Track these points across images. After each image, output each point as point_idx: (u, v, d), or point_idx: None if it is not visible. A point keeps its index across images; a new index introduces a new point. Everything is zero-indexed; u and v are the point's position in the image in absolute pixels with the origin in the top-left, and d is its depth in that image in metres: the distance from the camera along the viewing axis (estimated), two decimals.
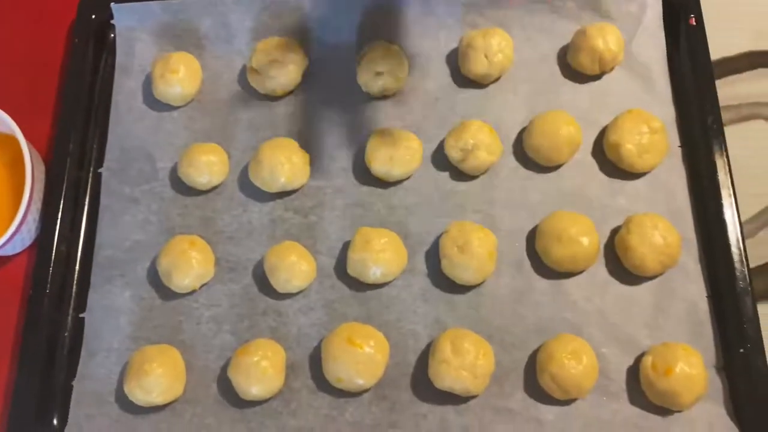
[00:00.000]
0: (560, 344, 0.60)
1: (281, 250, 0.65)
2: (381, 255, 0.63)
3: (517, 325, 0.64)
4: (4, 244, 0.65)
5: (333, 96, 0.73)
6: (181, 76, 0.71)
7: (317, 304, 0.66)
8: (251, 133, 0.72)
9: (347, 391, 0.62)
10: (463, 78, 0.73)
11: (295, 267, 0.64)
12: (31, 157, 0.67)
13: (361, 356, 0.60)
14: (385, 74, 0.70)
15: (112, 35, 0.76)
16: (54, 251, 0.67)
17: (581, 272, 0.65)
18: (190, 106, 0.74)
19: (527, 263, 0.66)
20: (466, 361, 0.59)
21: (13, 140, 0.71)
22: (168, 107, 0.73)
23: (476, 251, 0.62)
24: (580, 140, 0.68)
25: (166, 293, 0.66)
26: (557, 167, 0.69)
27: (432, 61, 0.74)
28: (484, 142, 0.66)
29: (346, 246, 0.67)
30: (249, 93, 0.74)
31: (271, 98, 0.73)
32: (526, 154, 0.69)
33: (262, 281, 0.66)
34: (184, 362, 0.64)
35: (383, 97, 0.72)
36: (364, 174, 0.70)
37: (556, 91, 0.72)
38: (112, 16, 0.75)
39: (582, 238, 0.63)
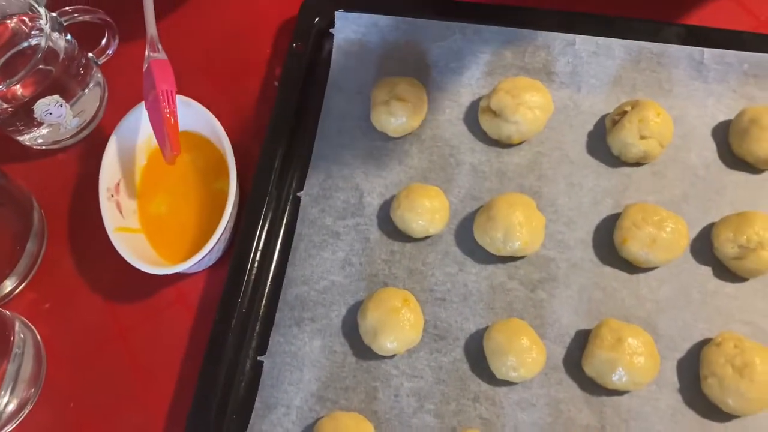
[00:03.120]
0: None
1: (512, 330, 0.55)
2: (634, 359, 0.52)
3: None
4: (194, 264, 0.57)
5: (575, 153, 0.63)
6: (408, 105, 0.62)
7: (540, 400, 0.55)
8: (475, 181, 0.63)
9: None
10: (734, 157, 0.61)
11: (526, 354, 0.54)
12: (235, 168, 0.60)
13: None
14: (650, 139, 0.59)
15: (329, 46, 0.69)
16: (245, 280, 0.59)
17: None
18: (407, 140, 0.65)
19: None
20: None
21: (210, 146, 0.64)
22: (383, 137, 0.65)
23: (759, 378, 0.51)
24: None
25: (362, 351, 0.57)
26: None
27: (696, 131, 0.63)
28: None
29: (579, 335, 0.57)
30: (476, 134, 0.64)
31: (503, 145, 0.64)
32: None
33: (476, 358, 0.56)
34: None
35: (636, 163, 0.62)
36: (607, 251, 0.59)
37: None
38: (332, 24, 0.68)
39: None
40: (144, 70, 0.60)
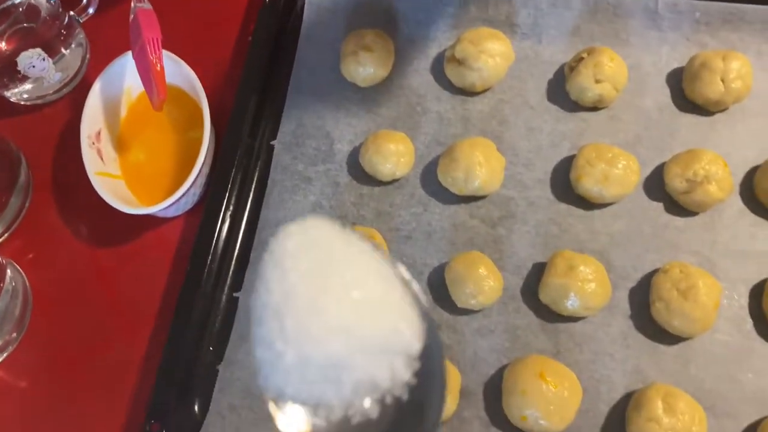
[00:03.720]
0: None
1: (469, 261, 0.58)
2: (585, 285, 0.55)
3: (733, 392, 0.55)
4: (170, 206, 0.60)
5: (535, 99, 0.66)
6: (375, 56, 0.65)
7: (498, 327, 0.58)
8: (440, 128, 0.66)
9: (527, 431, 0.54)
10: (686, 101, 0.64)
11: (483, 281, 0.57)
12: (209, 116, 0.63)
13: (553, 396, 0.52)
14: (604, 82, 0.62)
15: (301, 2, 0.71)
16: (219, 222, 0.62)
17: None
18: (376, 89, 0.68)
19: (749, 322, 0.57)
20: (680, 424, 0.51)
21: (187, 97, 0.66)
22: (353, 87, 0.68)
23: (702, 300, 0.54)
24: None
25: None
26: None
27: (651, 77, 0.66)
28: (716, 176, 0.58)
29: (536, 267, 0.60)
30: (441, 84, 0.67)
31: (467, 93, 0.66)
32: (757, 197, 0.60)
33: (439, 291, 0.59)
34: None
35: (593, 108, 0.65)
36: (563, 190, 0.62)
37: None
38: None
39: None
40: (130, 20, 0.63)
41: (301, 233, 0.35)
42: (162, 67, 0.60)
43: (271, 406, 0.34)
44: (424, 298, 0.36)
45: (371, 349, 0.33)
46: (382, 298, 0.34)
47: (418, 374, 0.33)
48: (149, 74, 0.60)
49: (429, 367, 0.34)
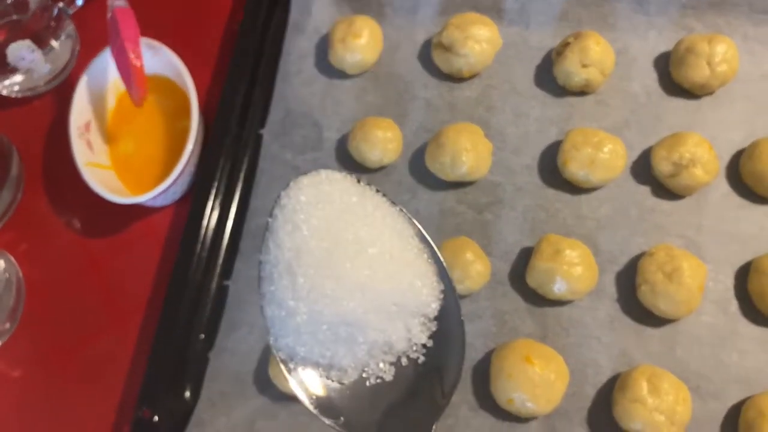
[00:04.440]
0: None
1: (457, 246, 0.58)
2: (571, 269, 0.56)
3: (717, 373, 0.55)
4: (159, 195, 0.61)
5: (523, 85, 0.66)
6: (363, 43, 0.65)
7: (486, 312, 0.59)
8: (428, 114, 0.66)
9: (514, 414, 0.54)
10: (673, 85, 0.64)
11: (470, 267, 0.57)
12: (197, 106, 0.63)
13: (539, 379, 0.53)
14: (591, 67, 0.62)
15: None
16: (208, 211, 0.63)
17: None
18: (364, 77, 0.68)
19: (735, 304, 0.57)
20: (664, 405, 0.51)
21: (175, 87, 0.67)
22: (341, 74, 0.68)
23: (686, 282, 0.54)
24: None
25: None
26: None
27: (638, 61, 0.66)
28: (701, 159, 0.58)
29: (523, 252, 0.60)
30: (429, 71, 0.67)
31: (455, 79, 0.67)
32: (743, 180, 0.60)
33: None
34: None
35: (581, 92, 0.65)
36: (551, 175, 0.62)
37: None
38: None
39: None
40: (108, 18, 0.63)
41: (314, 186, 0.33)
42: (142, 65, 0.60)
43: (282, 368, 0.33)
44: (442, 256, 0.34)
45: (386, 307, 0.32)
46: (398, 255, 0.33)
47: (435, 336, 0.32)
48: (128, 72, 0.60)
49: (446, 329, 0.33)
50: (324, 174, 0.33)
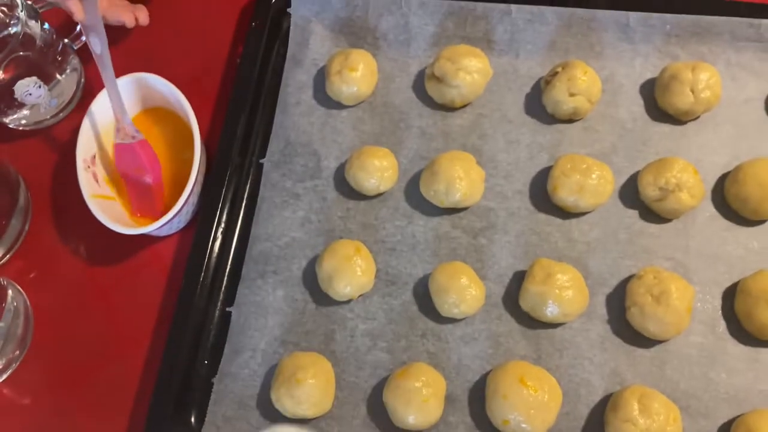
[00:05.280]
0: (761, 421, 0.53)
1: (452, 271, 0.60)
2: (563, 292, 0.58)
3: (707, 392, 0.57)
4: (163, 225, 0.63)
5: (514, 113, 0.68)
6: (359, 75, 0.68)
7: (482, 334, 0.60)
8: (423, 142, 0.68)
9: None
10: (659, 111, 0.67)
11: (465, 291, 0.59)
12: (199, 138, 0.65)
13: (534, 400, 0.54)
14: (578, 96, 0.65)
15: (286, 24, 0.74)
16: (211, 239, 0.65)
17: None
18: (361, 107, 0.70)
19: (722, 324, 0.59)
20: (655, 425, 0.53)
21: (178, 119, 0.69)
22: (338, 105, 0.70)
23: (674, 304, 0.56)
24: None
25: (321, 298, 0.63)
26: (761, 222, 0.62)
27: (625, 88, 0.68)
28: (687, 184, 0.60)
29: (516, 275, 0.62)
30: (423, 100, 0.70)
31: (448, 108, 0.69)
32: (728, 203, 0.62)
33: (423, 300, 0.62)
34: (334, 375, 0.59)
35: (570, 120, 0.67)
36: (541, 200, 0.64)
37: (764, 138, 0.65)
38: (289, 4, 0.73)
39: None
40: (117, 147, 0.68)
41: None
42: (155, 186, 0.67)
43: None
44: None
45: None
46: None
47: None
48: (146, 192, 0.67)
49: None
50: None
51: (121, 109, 0.66)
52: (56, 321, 0.68)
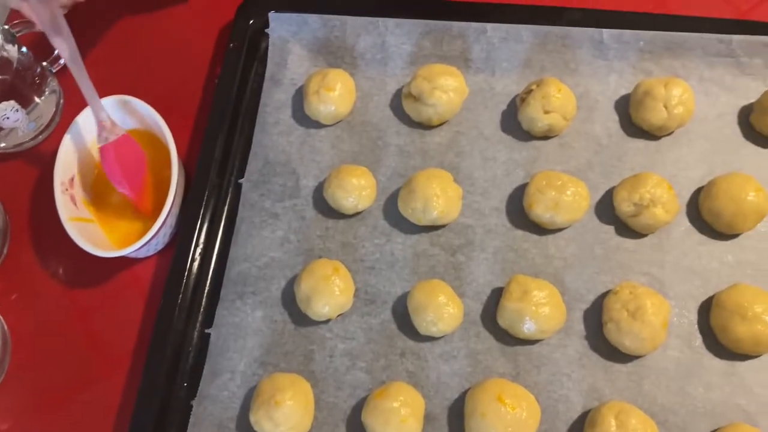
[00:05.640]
0: None
1: (430, 289, 0.60)
2: (539, 309, 0.58)
3: (684, 406, 0.57)
4: (141, 247, 0.63)
5: (490, 130, 0.69)
6: (336, 95, 0.68)
7: (460, 352, 0.60)
8: (401, 160, 0.68)
9: None
10: (633, 127, 0.67)
11: (443, 309, 0.59)
12: (177, 159, 0.65)
13: (512, 418, 0.54)
14: (553, 113, 0.65)
15: (264, 45, 0.74)
16: (190, 260, 0.65)
17: (759, 356, 0.58)
18: (339, 126, 0.71)
19: (699, 338, 0.59)
20: None
21: (156, 140, 0.69)
22: (316, 124, 0.70)
23: (650, 319, 0.56)
24: (767, 210, 0.61)
25: (299, 318, 0.63)
26: (735, 235, 0.62)
27: (600, 104, 0.69)
28: (661, 199, 0.61)
29: (494, 292, 0.62)
30: (401, 119, 0.70)
31: (425, 126, 0.69)
32: (702, 217, 0.63)
33: (402, 319, 0.62)
34: (314, 396, 0.59)
35: (544, 137, 0.68)
36: (518, 217, 0.65)
37: (736, 153, 0.66)
38: (267, 25, 0.74)
39: None
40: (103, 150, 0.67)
41: None
42: (136, 197, 0.67)
43: None
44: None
45: None
46: None
47: None
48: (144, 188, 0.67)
49: None
50: None
51: (97, 105, 0.66)
52: (35, 344, 0.67)
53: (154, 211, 0.66)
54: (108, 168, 0.66)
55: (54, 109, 0.76)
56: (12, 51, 0.68)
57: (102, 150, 0.66)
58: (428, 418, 0.58)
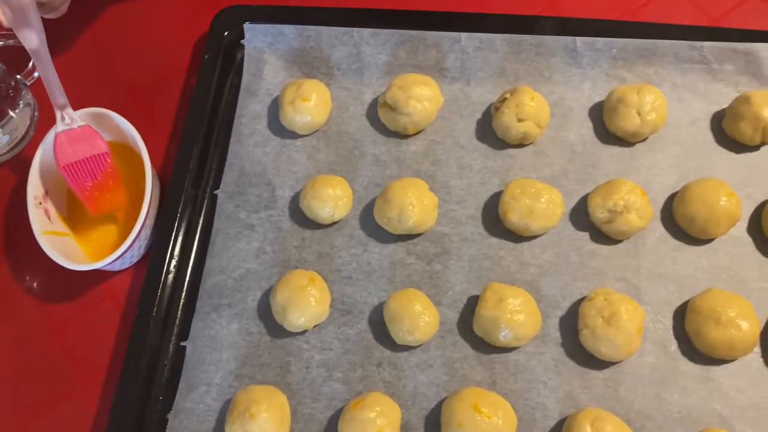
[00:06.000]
0: None
1: (405, 298, 0.60)
2: (514, 317, 0.58)
3: (660, 412, 0.57)
4: (116, 259, 0.62)
5: (465, 138, 0.69)
6: (312, 105, 0.68)
7: (437, 361, 0.60)
8: (377, 170, 0.68)
9: None
10: (607, 133, 0.68)
11: (419, 318, 0.59)
12: (151, 172, 0.65)
13: (488, 426, 0.54)
14: (527, 121, 0.65)
15: (240, 56, 0.74)
16: (164, 273, 0.64)
17: (733, 360, 0.58)
18: (315, 136, 0.71)
19: (674, 344, 0.59)
20: None
21: (131, 151, 0.69)
22: (292, 135, 0.70)
23: (624, 325, 0.57)
24: (740, 214, 0.62)
25: (275, 330, 0.62)
26: (709, 240, 0.63)
27: (574, 112, 0.69)
28: (635, 205, 0.61)
29: (470, 300, 0.62)
30: (377, 128, 0.70)
31: (401, 136, 0.69)
32: (676, 223, 0.63)
33: (379, 328, 0.62)
34: (290, 408, 0.59)
35: (519, 145, 0.68)
36: (494, 224, 0.65)
37: (709, 158, 0.66)
38: (242, 36, 0.74)
39: (741, 321, 0.57)
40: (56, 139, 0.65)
41: None
42: (81, 188, 0.65)
43: None
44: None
45: None
46: None
47: None
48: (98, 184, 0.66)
49: None
50: None
51: (59, 92, 0.65)
52: (9, 358, 0.66)
53: (129, 224, 0.65)
54: (57, 156, 0.65)
55: (28, 123, 0.75)
56: None
57: (56, 138, 0.65)
58: (405, 429, 0.58)
